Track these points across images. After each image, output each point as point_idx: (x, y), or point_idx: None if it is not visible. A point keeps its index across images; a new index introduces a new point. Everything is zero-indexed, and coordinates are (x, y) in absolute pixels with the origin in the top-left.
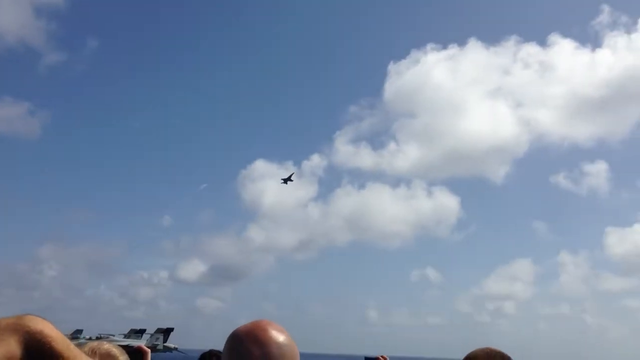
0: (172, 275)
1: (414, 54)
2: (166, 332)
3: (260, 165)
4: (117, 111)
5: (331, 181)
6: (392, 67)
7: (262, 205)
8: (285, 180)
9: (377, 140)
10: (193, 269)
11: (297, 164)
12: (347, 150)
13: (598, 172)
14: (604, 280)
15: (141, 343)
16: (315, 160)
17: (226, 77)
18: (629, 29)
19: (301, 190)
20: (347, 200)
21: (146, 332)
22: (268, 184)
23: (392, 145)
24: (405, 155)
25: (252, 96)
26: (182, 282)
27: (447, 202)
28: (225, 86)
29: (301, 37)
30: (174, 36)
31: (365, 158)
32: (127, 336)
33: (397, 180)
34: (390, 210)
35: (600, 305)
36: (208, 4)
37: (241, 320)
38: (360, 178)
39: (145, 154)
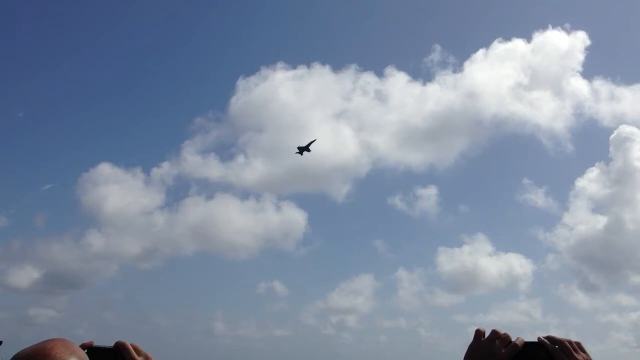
0: (0, 282)
1: (264, 70)
2: None
3: (105, 169)
4: None
5: (179, 190)
6: (241, 81)
7: (105, 211)
8: (301, 151)
9: (225, 152)
10: (25, 275)
11: (146, 170)
12: (195, 161)
13: (429, 196)
14: (436, 296)
15: None
16: (165, 168)
17: (75, 76)
18: (455, 69)
19: (147, 198)
20: (195, 210)
21: None
22: (112, 189)
23: (240, 158)
24: (254, 168)
25: (103, 96)
26: (11, 289)
27: (295, 217)
28: (75, 83)
29: (153, 41)
30: (17, 23)
31: (213, 169)
32: None
33: (246, 193)
34: (238, 222)
35: (433, 319)
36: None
37: (78, 331)
38: (209, 189)
39: None
